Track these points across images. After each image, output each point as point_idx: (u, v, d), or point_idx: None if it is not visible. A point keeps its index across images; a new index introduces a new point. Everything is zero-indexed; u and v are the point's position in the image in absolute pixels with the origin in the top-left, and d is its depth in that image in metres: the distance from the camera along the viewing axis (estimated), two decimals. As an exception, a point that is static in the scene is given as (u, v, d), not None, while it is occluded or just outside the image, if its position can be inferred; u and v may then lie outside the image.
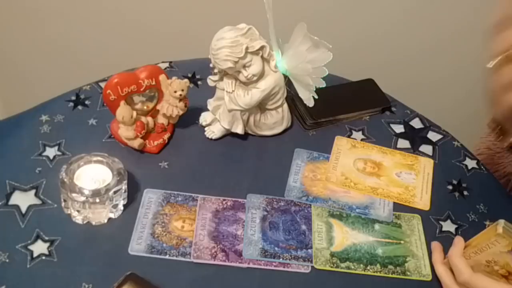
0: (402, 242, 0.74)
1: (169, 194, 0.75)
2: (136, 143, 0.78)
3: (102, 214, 0.70)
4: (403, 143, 0.88)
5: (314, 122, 0.87)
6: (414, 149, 0.87)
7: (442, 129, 0.91)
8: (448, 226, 0.77)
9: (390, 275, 0.70)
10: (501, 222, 0.61)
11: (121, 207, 0.72)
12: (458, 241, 0.66)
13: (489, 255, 0.62)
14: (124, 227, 0.71)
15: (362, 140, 0.87)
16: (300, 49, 0.74)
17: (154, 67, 0.78)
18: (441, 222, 0.77)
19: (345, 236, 0.74)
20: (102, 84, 0.88)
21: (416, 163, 0.85)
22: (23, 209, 0.71)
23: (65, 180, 0.67)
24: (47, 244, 0.67)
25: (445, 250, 0.68)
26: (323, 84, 0.75)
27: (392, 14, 1.16)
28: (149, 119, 0.81)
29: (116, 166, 0.70)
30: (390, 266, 0.71)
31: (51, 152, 0.78)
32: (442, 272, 0.67)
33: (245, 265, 0.69)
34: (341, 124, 0.89)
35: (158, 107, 0.81)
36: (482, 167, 0.86)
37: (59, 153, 0.78)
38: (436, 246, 0.71)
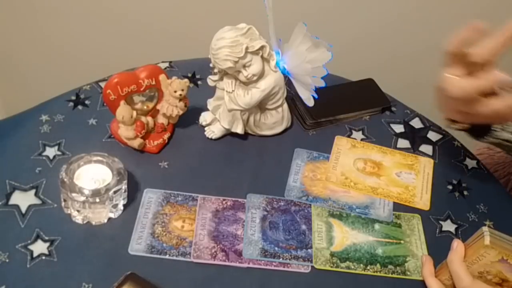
0: (402, 242, 0.74)
1: (169, 194, 0.75)
2: (136, 143, 0.78)
3: (102, 214, 0.70)
4: (403, 143, 0.88)
5: (314, 122, 0.87)
6: (414, 149, 0.87)
7: (442, 129, 0.91)
8: (448, 226, 0.77)
9: (390, 275, 0.70)
10: (486, 232, 0.60)
11: (121, 207, 0.72)
12: (458, 245, 0.64)
13: (480, 267, 0.61)
14: (124, 227, 0.71)
15: (362, 140, 0.87)
16: (300, 49, 0.75)
17: (154, 67, 0.78)
18: (441, 222, 0.77)
19: (345, 236, 0.74)
20: (102, 84, 0.88)
21: (416, 163, 0.85)
22: (23, 209, 0.71)
23: (65, 180, 0.67)
24: (47, 244, 0.67)
25: (445, 250, 0.68)
26: (323, 84, 0.75)
27: (392, 14, 1.16)
28: (149, 119, 0.81)
29: (116, 166, 0.70)
30: (390, 266, 0.71)
31: (51, 152, 0.78)
32: (434, 285, 0.66)
33: (245, 265, 0.69)
34: (341, 124, 0.89)
35: (158, 107, 0.81)
36: (482, 167, 0.86)
37: (59, 153, 0.78)
38: (427, 259, 0.70)
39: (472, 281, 0.61)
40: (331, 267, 0.70)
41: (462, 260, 0.63)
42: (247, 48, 0.71)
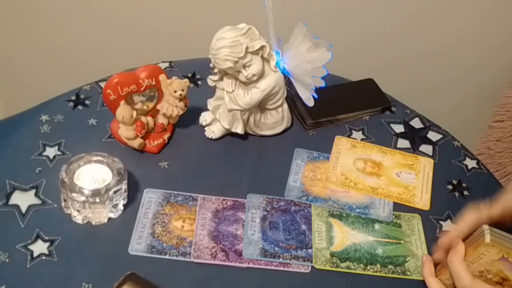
0: (402, 242, 0.74)
1: (169, 194, 0.75)
2: (136, 143, 0.78)
3: (102, 214, 0.70)
4: (403, 143, 0.88)
5: (314, 122, 0.87)
6: (414, 149, 0.87)
7: (442, 129, 0.91)
8: (448, 226, 0.77)
9: (390, 275, 0.70)
10: (486, 230, 0.60)
11: (121, 207, 0.72)
12: (458, 245, 0.64)
13: (481, 266, 0.61)
14: (124, 227, 0.71)
15: (362, 140, 0.87)
16: (300, 49, 0.75)
17: (154, 67, 0.78)
18: (441, 222, 0.77)
19: (345, 236, 0.74)
20: (102, 84, 0.88)
21: (416, 163, 0.85)
22: (23, 209, 0.71)
23: (65, 180, 0.67)
24: (47, 244, 0.67)
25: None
26: (323, 84, 0.75)
27: (392, 14, 1.16)
28: (149, 119, 0.81)
29: (116, 166, 0.70)
30: (390, 266, 0.71)
31: (51, 152, 0.78)
32: (434, 285, 0.66)
33: (245, 265, 0.69)
34: (341, 124, 0.89)
35: (158, 107, 0.81)
36: (482, 167, 0.86)
37: (59, 153, 0.78)
38: (427, 259, 0.70)
39: (472, 280, 0.61)
40: (331, 267, 0.70)
41: (462, 259, 0.63)
42: (247, 48, 0.71)
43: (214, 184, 0.77)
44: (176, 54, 0.98)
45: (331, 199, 0.78)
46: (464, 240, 0.65)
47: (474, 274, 0.62)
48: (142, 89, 0.77)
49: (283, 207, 0.76)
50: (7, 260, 0.65)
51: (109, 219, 0.71)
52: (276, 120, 0.83)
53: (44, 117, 0.82)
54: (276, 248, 0.71)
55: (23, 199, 0.72)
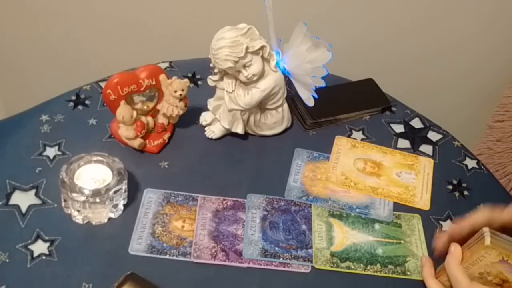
0: (402, 242, 0.74)
1: (169, 194, 0.75)
2: (136, 143, 0.78)
3: (102, 214, 0.70)
4: (403, 143, 0.88)
5: (314, 122, 0.87)
6: (414, 149, 0.87)
7: (442, 129, 0.91)
8: (448, 226, 0.77)
9: (390, 275, 0.70)
10: (487, 233, 0.60)
11: (121, 207, 0.72)
12: (455, 249, 0.64)
13: (481, 268, 0.61)
14: (124, 227, 0.71)
15: (362, 140, 0.87)
16: (300, 49, 0.75)
17: (154, 67, 0.78)
18: (441, 222, 0.77)
19: (345, 236, 0.74)
20: (102, 84, 0.88)
21: (416, 163, 0.85)
22: (23, 209, 0.71)
23: (65, 180, 0.67)
24: (47, 244, 0.67)
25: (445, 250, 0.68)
26: (323, 84, 0.75)
27: (392, 14, 1.16)
28: (149, 119, 0.81)
29: (116, 166, 0.70)
30: (390, 266, 0.71)
31: (51, 152, 0.78)
32: (434, 287, 0.66)
33: (245, 265, 0.69)
34: (341, 124, 0.89)
35: (158, 107, 0.81)
36: (482, 167, 0.86)
37: (59, 153, 0.78)
38: (426, 260, 0.70)
39: (470, 283, 0.61)
40: (331, 267, 0.70)
41: (459, 262, 0.63)
42: (247, 48, 0.71)
43: (214, 184, 0.77)
44: (176, 54, 0.98)
45: (331, 199, 0.78)
46: (462, 243, 0.64)
47: (474, 276, 0.62)
48: (142, 89, 0.77)
49: (283, 207, 0.76)
50: (7, 260, 0.65)
51: (109, 219, 0.71)
52: (276, 120, 0.83)
53: (44, 117, 0.82)
54: (276, 248, 0.71)
55: (23, 199, 0.72)
